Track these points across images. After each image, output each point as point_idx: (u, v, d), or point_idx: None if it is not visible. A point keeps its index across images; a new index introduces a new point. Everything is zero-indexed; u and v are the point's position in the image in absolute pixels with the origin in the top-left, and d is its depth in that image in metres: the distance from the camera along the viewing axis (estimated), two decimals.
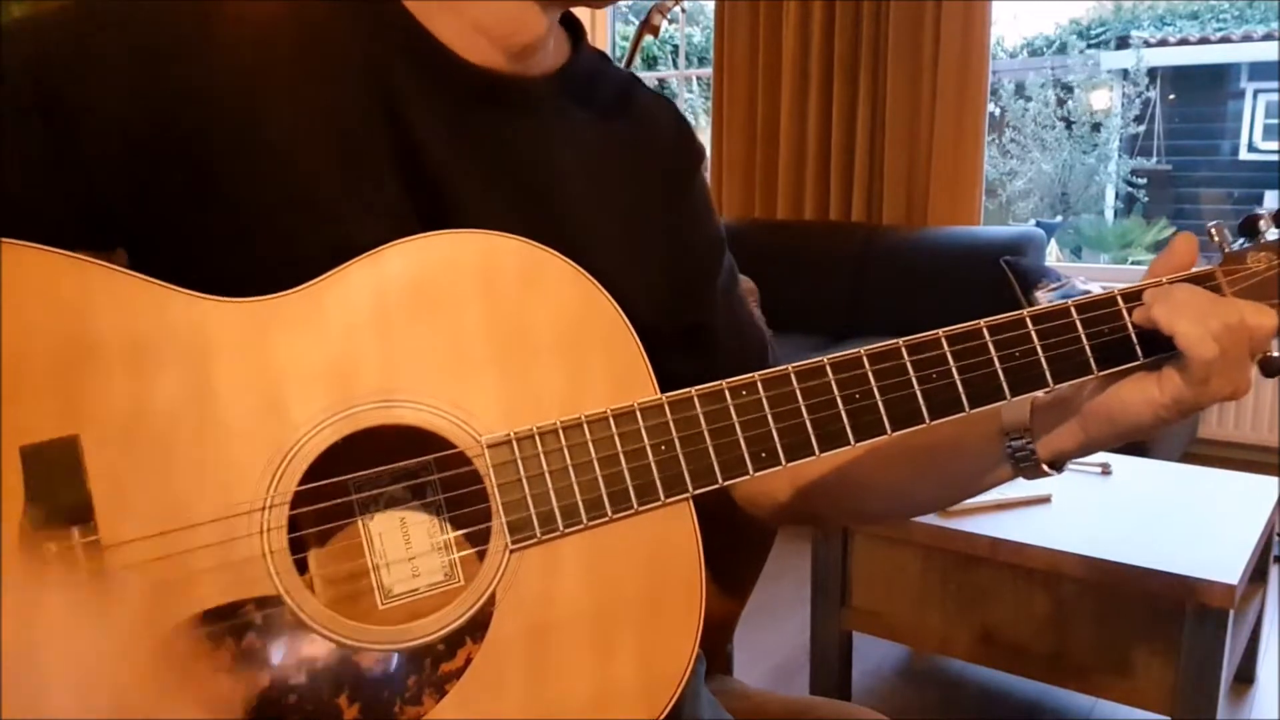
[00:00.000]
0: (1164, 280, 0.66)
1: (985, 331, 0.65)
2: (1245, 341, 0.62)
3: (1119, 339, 0.66)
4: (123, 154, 0.60)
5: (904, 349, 0.65)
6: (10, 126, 0.59)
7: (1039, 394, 0.69)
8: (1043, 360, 0.65)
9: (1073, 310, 0.65)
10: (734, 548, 0.97)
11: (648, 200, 0.78)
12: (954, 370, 0.65)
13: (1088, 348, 0.65)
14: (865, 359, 0.64)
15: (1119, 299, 0.66)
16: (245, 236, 0.62)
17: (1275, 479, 2.12)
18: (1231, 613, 1.66)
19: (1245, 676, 2.22)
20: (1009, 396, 0.65)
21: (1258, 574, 2.10)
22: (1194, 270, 0.67)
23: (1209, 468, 2.21)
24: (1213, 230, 0.68)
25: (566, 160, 0.73)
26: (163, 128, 0.60)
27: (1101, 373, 0.65)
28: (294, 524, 0.58)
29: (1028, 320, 0.65)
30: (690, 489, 0.63)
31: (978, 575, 1.90)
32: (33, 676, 0.53)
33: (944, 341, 0.65)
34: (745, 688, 1.05)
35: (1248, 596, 2.07)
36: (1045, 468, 0.70)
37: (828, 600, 2.06)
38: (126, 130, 0.60)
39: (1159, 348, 0.65)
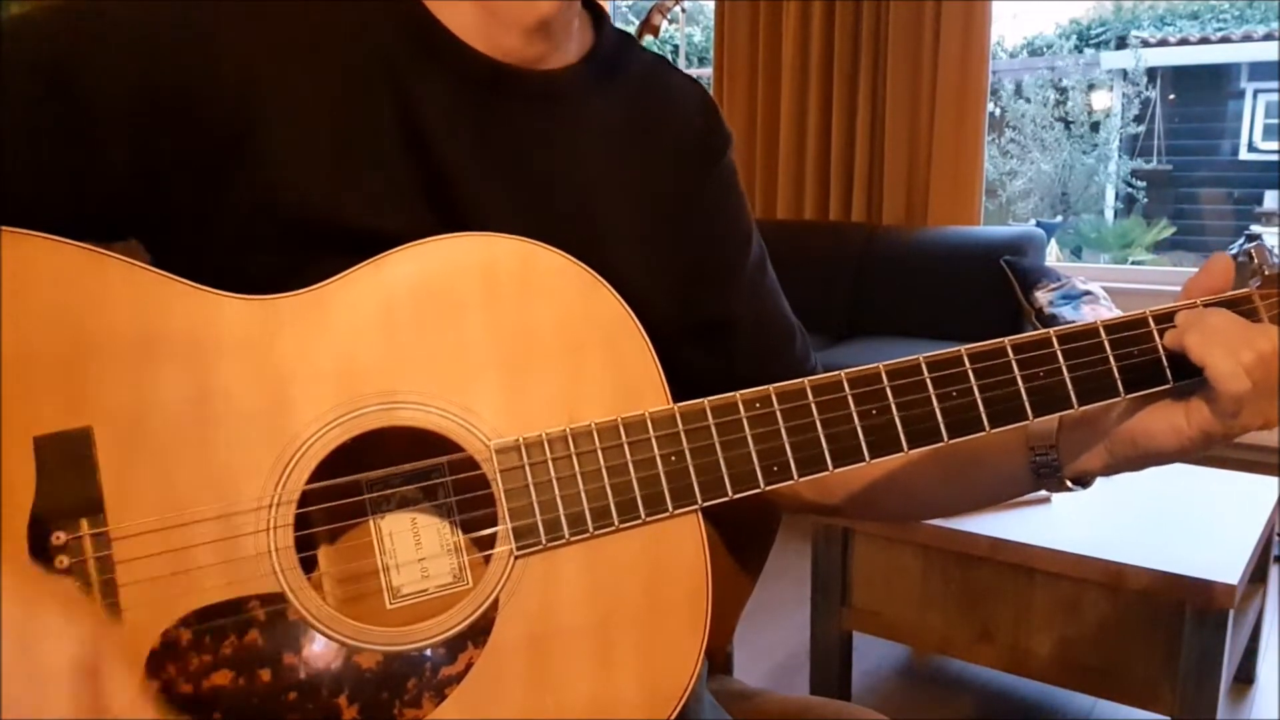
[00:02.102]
0: (1198, 302, 0.64)
1: (1009, 350, 0.64)
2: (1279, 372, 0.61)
3: (1149, 361, 0.64)
4: (132, 148, 0.60)
5: (924, 365, 0.63)
6: (22, 118, 0.59)
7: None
8: (1068, 381, 0.64)
9: (1101, 330, 0.64)
10: (741, 524, 0.96)
11: (670, 187, 0.76)
12: (975, 389, 0.63)
13: (1115, 369, 0.64)
14: (884, 374, 0.63)
15: (1150, 320, 0.64)
16: (253, 230, 0.62)
17: (1275, 479, 2.12)
18: (1231, 613, 1.66)
19: (1245, 676, 2.22)
20: (1031, 417, 0.64)
21: (1258, 574, 2.10)
22: (1231, 293, 0.65)
23: (1209, 468, 2.21)
24: (1252, 251, 0.66)
25: (585, 152, 0.72)
26: (170, 120, 0.60)
27: (1129, 395, 0.64)
28: (304, 522, 0.58)
29: (1054, 339, 0.64)
30: (699, 501, 0.62)
31: (978, 575, 1.90)
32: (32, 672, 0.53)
33: (966, 359, 0.64)
34: (745, 688, 1.05)
35: (1248, 596, 2.07)
36: (1068, 483, 0.69)
37: (828, 600, 2.05)
38: (135, 122, 0.60)
39: (1191, 370, 0.63)
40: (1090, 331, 0.64)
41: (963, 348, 0.64)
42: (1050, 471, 0.69)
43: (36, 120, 0.59)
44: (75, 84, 0.59)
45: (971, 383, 0.64)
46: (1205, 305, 0.64)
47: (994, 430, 0.64)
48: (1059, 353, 0.64)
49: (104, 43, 0.60)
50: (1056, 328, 0.64)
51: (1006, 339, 0.64)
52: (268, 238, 0.62)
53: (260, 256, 0.61)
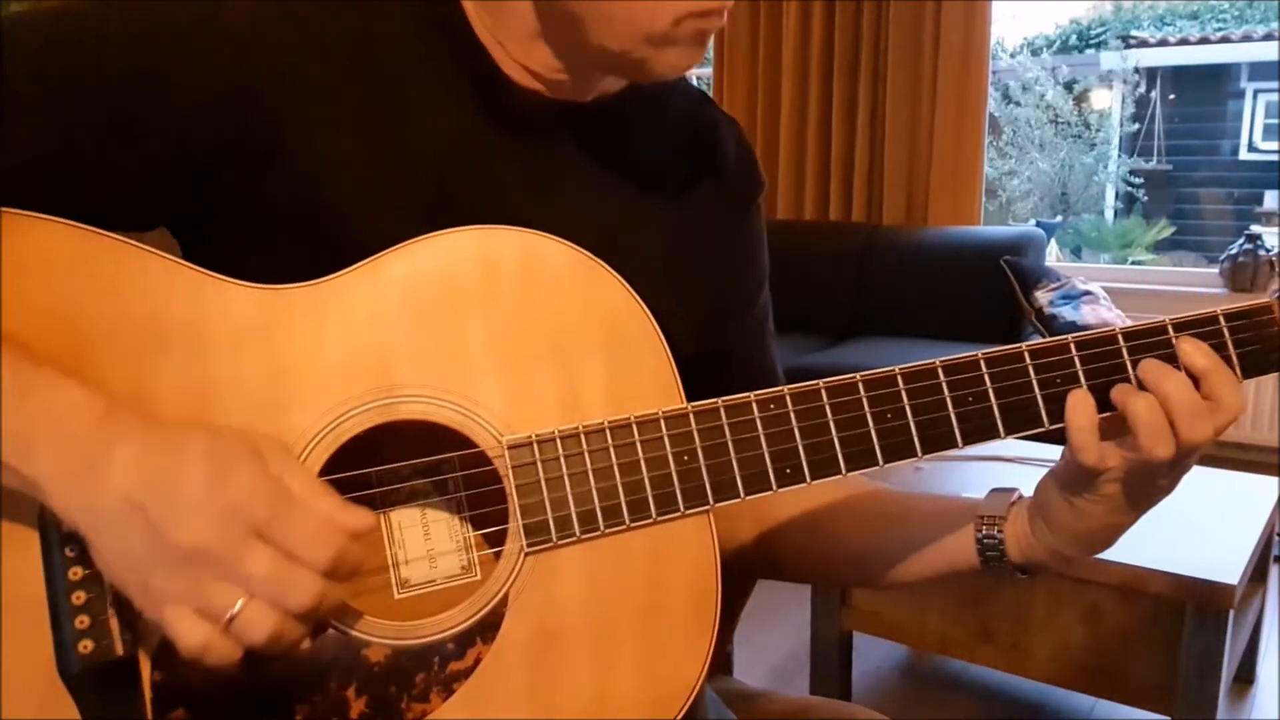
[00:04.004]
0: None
1: (1027, 355, 0.63)
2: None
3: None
4: (171, 146, 0.60)
5: (940, 369, 0.63)
6: (54, 116, 0.59)
7: (1021, 494, 0.69)
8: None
9: (1073, 346, 0.64)
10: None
11: (703, 223, 0.76)
12: (990, 393, 0.63)
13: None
14: (900, 378, 0.63)
15: (1073, 346, 0.64)
16: (286, 230, 0.62)
17: (1275, 479, 2.12)
18: (1231, 613, 1.66)
19: (1245, 676, 2.22)
20: (1046, 425, 0.63)
21: (1258, 574, 2.10)
22: (1250, 303, 0.65)
23: (1209, 468, 2.21)
24: (1274, 260, 0.67)
25: (620, 181, 0.72)
26: (210, 118, 0.61)
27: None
28: None
29: (1072, 346, 0.64)
30: (711, 501, 0.62)
31: (977, 575, 1.90)
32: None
33: (982, 364, 0.63)
34: (745, 688, 1.05)
35: (1248, 596, 2.07)
36: (1013, 567, 0.69)
37: (828, 600, 2.05)
38: (176, 121, 0.60)
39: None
40: (1109, 338, 0.64)
41: (979, 352, 0.63)
42: (995, 545, 0.69)
43: (70, 117, 0.59)
44: (109, 81, 0.59)
45: (988, 387, 0.63)
46: (1223, 313, 0.64)
47: (1008, 436, 0.63)
48: (1076, 358, 0.64)
49: (139, 38, 0.60)
50: (1076, 334, 0.64)
51: (1024, 344, 0.64)
52: (300, 239, 0.62)
53: (291, 255, 0.61)
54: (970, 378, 0.63)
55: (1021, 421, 0.63)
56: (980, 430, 0.63)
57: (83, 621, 0.53)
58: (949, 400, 0.63)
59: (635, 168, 0.73)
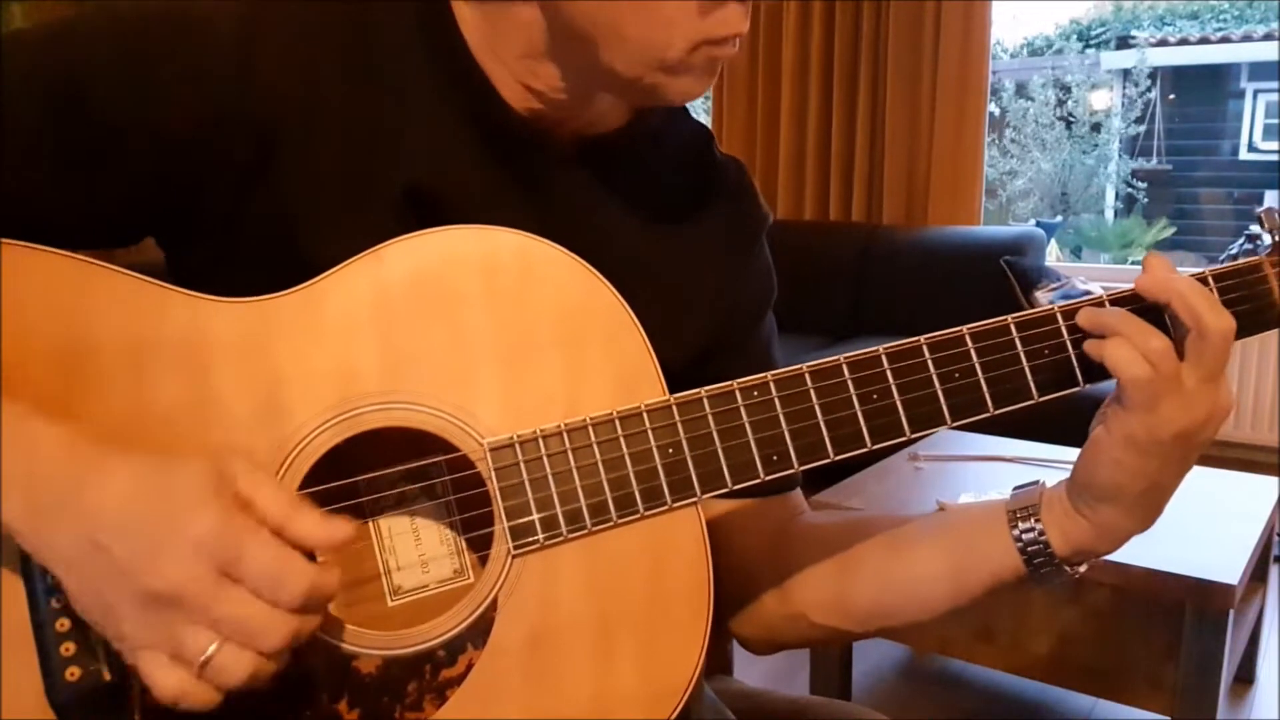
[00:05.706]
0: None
1: (1013, 327, 0.62)
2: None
3: (1061, 359, 0.63)
4: (158, 164, 0.60)
5: (925, 347, 0.62)
6: (40, 134, 0.58)
7: (1047, 485, 0.66)
8: (1072, 357, 0.63)
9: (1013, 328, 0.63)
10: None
11: (700, 258, 0.75)
12: (977, 368, 0.62)
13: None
14: (884, 357, 0.62)
15: (1059, 317, 0.63)
16: (266, 249, 0.62)
17: (1275, 479, 2.12)
18: (1231, 613, 1.66)
19: (1245, 676, 2.22)
20: (1036, 397, 0.62)
21: (1258, 574, 2.10)
22: (1242, 261, 0.64)
23: (1209, 468, 2.20)
24: (1263, 215, 0.65)
25: (619, 215, 0.71)
26: (198, 136, 0.60)
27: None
28: None
29: (1059, 316, 0.63)
30: (698, 493, 0.61)
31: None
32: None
33: (968, 339, 0.62)
34: (745, 687, 1.04)
35: (1248, 596, 2.06)
36: (1061, 560, 0.66)
37: None
38: (161, 139, 0.60)
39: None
40: (1096, 304, 0.63)
41: (964, 327, 0.62)
42: (1038, 546, 0.66)
43: (60, 137, 0.58)
44: (122, 106, 0.58)
45: (974, 361, 0.62)
46: (1212, 273, 0.63)
47: (998, 410, 0.62)
48: (1063, 327, 0.63)
49: (130, 57, 0.59)
50: (1062, 304, 0.63)
51: (1009, 316, 0.63)
52: (279, 258, 0.61)
53: (273, 273, 0.60)
54: (956, 353, 0.62)
55: (1010, 395, 0.62)
56: (969, 405, 0.62)
57: (68, 649, 0.53)
58: (935, 377, 0.62)
59: (633, 203, 0.72)
